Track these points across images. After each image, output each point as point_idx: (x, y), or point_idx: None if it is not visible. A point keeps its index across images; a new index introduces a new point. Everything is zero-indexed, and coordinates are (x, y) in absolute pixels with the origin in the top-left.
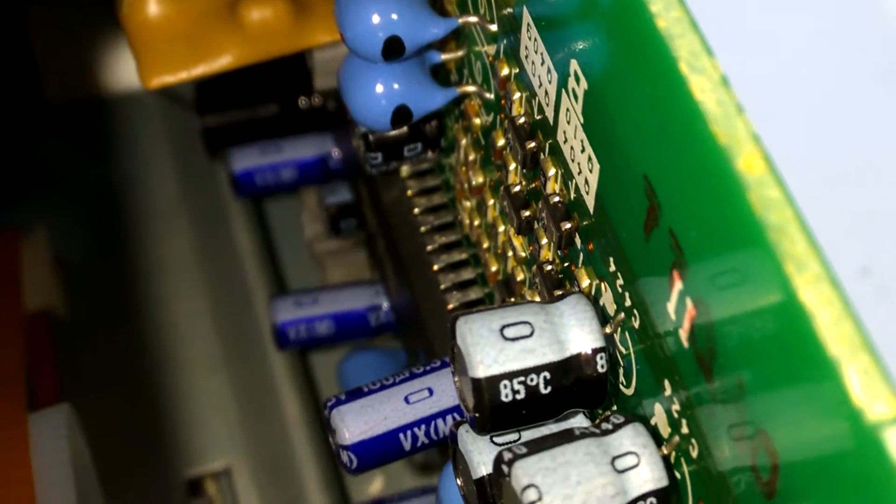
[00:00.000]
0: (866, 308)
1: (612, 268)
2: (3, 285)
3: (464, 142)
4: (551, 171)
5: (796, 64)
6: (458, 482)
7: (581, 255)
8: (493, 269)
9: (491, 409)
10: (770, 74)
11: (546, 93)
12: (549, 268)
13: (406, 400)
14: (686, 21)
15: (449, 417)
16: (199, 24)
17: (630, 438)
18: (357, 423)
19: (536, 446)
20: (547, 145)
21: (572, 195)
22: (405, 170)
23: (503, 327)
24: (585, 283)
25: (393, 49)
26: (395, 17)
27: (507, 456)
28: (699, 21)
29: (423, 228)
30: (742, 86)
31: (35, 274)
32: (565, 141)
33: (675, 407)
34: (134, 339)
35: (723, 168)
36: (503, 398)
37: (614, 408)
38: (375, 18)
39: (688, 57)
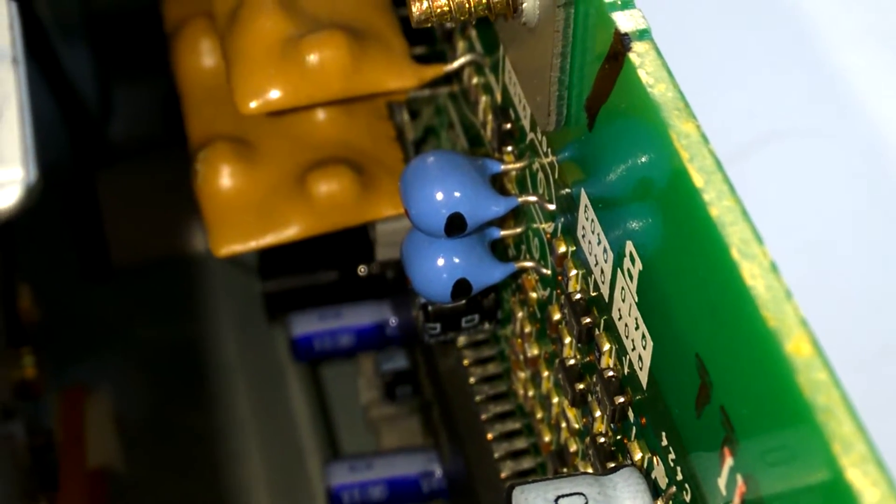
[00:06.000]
0: None
1: (664, 442)
2: (67, 443)
3: (520, 314)
4: (606, 347)
5: (840, 251)
6: None
7: (634, 428)
8: (547, 439)
9: None
10: (814, 260)
11: (602, 271)
12: (602, 440)
13: None
14: (737, 210)
15: None
16: (268, 196)
17: None
18: None
19: None
20: (602, 321)
21: (626, 370)
22: (462, 339)
23: (558, 498)
24: (638, 455)
25: (455, 225)
26: (458, 195)
27: None
28: (750, 209)
29: (478, 397)
30: (789, 269)
31: (98, 432)
32: (620, 318)
33: None
34: (189, 498)
35: (772, 351)
36: None
37: None
38: (439, 196)
39: (739, 244)
